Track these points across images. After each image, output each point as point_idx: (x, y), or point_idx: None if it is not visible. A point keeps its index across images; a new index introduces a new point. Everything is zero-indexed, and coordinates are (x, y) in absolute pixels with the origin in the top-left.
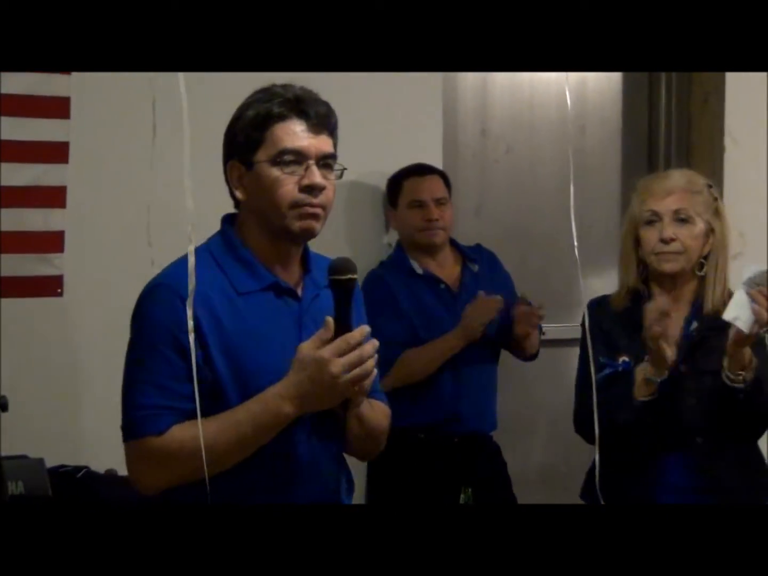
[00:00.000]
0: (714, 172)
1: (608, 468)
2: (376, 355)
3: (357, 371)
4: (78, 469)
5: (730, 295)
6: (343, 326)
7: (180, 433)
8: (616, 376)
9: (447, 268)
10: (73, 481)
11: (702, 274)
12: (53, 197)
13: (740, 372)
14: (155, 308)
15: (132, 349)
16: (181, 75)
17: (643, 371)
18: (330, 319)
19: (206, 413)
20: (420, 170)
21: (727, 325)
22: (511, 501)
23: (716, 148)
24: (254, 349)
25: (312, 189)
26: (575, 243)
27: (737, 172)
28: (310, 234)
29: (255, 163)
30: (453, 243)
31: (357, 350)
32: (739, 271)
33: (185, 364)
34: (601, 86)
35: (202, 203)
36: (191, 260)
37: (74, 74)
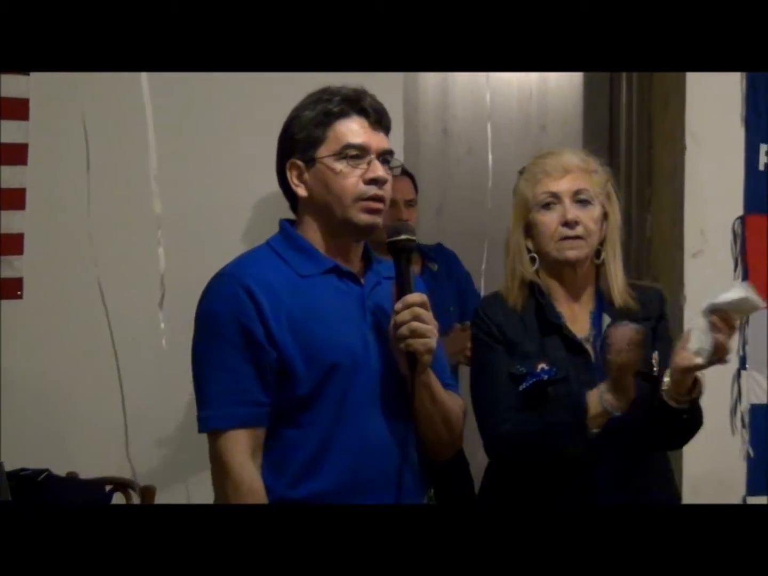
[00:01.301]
0: (675, 171)
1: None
2: (431, 315)
3: (414, 324)
4: (38, 472)
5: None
6: (404, 287)
7: (252, 475)
8: (540, 385)
9: None
10: (33, 485)
11: (599, 262)
12: (12, 199)
13: (687, 395)
14: (218, 297)
15: (198, 338)
16: (144, 78)
17: (601, 402)
18: None
19: (276, 391)
20: None
21: (639, 323)
22: (474, 501)
23: (677, 147)
24: (318, 324)
25: (376, 182)
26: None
27: (698, 171)
28: (373, 227)
29: (317, 160)
30: None
31: (409, 309)
32: (699, 269)
33: (251, 348)
34: (562, 86)
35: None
36: (161, 264)
37: (33, 75)
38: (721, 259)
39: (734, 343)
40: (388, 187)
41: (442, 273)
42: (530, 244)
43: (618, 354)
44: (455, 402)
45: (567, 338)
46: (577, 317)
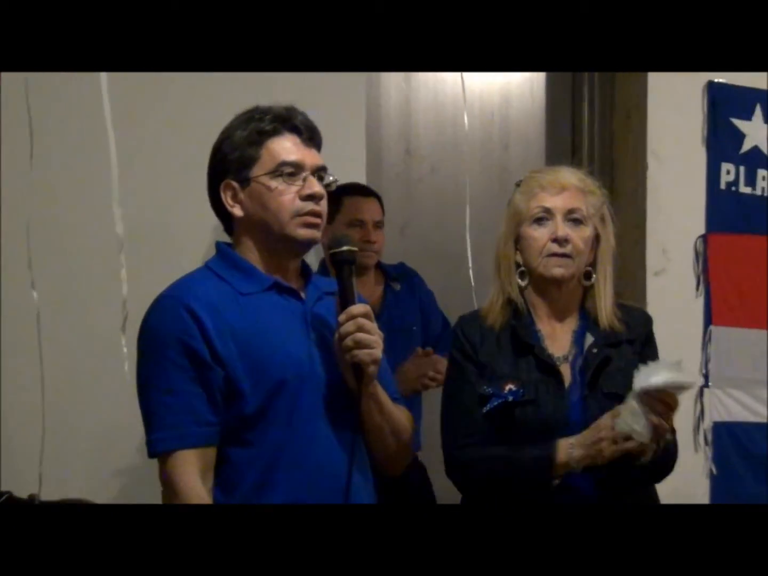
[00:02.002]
0: (637, 190)
1: None
2: (376, 326)
3: (358, 335)
4: None
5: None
6: (347, 298)
7: (200, 491)
8: (506, 407)
9: (368, 288)
10: None
11: (589, 284)
12: None
13: (643, 457)
14: (160, 319)
15: (143, 362)
16: (106, 98)
17: (568, 456)
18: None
19: (224, 410)
20: (362, 190)
21: (622, 344)
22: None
23: (639, 165)
24: (263, 341)
25: (313, 197)
26: (470, 264)
27: (660, 190)
28: (312, 242)
29: (252, 179)
30: (376, 262)
31: (353, 320)
32: (661, 288)
33: (197, 368)
34: (525, 105)
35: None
36: (124, 289)
37: None
38: (683, 278)
39: (697, 361)
40: (324, 202)
41: (405, 292)
42: (519, 258)
43: (606, 444)
44: (403, 414)
45: (540, 359)
46: (558, 335)
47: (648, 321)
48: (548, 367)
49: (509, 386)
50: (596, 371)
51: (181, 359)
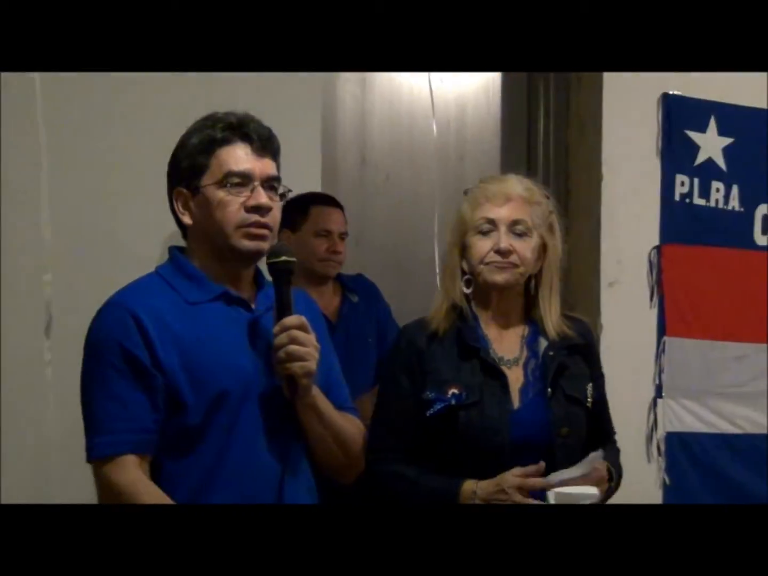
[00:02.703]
0: (592, 200)
1: None
2: (312, 337)
3: (291, 348)
4: None
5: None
6: (282, 309)
7: (135, 480)
8: (450, 411)
9: (326, 299)
10: None
11: (533, 291)
12: None
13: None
14: (104, 325)
15: (86, 367)
16: (39, 97)
17: (472, 498)
18: None
19: (165, 420)
20: (329, 200)
21: (575, 350)
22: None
23: (594, 176)
24: (207, 351)
25: (258, 209)
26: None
27: (615, 201)
28: (258, 253)
29: (201, 188)
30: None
31: (286, 332)
32: (615, 298)
33: (140, 376)
34: (481, 116)
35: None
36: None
37: None
38: (637, 289)
39: (650, 371)
40: (274, 213)
41: (362, 304)
42: (465, 266)
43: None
44: (351, 423)
45: (485, 362)
46: (505, 339)
47: (590, 332)
48: (493, 369)
49: (452, 390)
50: (556, 374)
51: (122, 365)
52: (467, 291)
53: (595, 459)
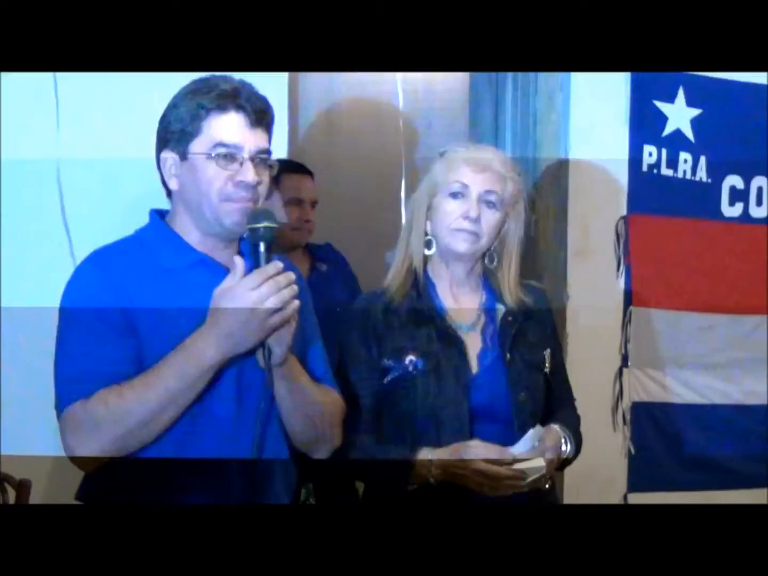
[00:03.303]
0: (560, 170)
1: None
2: (295, 288)
3: (273, 299)
4: None
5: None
6: None
7: (105, 394)
8: (405, 379)
9: None
10: None
11: (492, 266)
12: None
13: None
14: (77, 284)
15: (60, 326)
16: None
17: (427, 473)
18: (239, 259)
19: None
20: (300, 168)
21: (534, 315)
22: (354, 497)
23: (562, 146)
24: (180, 316)
25: (246, 185)
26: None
27: (582, 171)
28: (240, 229)
29: (189, 155)
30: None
31: (271, 280)
32: (582, 268)
33: (110, 332)
34: (448, 85)
35: None
36: None
37: None
38: (604, 259)
39: (617, 341)
40: (260, 189)
41: (331, 273)
42: (429, 227)
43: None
44: (326, 396)
45: (441, 329)
46: (462, 305)
47: (546, 297)
48: (450, 336)
49: (410, 357)
50: (514, 339)
51: (96, 323)
52: (429, 252)
53: (537, 433)
